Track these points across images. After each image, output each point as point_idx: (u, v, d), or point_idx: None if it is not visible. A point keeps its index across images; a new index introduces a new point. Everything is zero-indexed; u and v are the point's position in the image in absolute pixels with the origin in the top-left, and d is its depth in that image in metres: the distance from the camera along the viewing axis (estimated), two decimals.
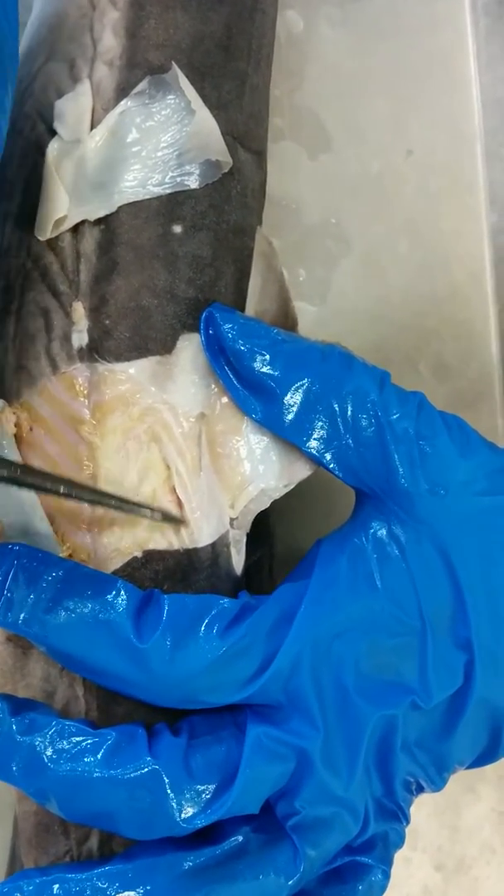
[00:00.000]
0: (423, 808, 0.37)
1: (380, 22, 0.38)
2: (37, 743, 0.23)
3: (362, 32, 0.38)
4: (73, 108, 0.25)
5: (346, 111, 0.37)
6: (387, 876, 0.26)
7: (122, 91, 0.25)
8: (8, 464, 0.23)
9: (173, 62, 0.25)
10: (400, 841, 0.27)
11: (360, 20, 0.38)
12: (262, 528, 0.29)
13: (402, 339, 0.38)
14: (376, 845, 0.26)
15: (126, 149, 0.25)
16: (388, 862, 0.27)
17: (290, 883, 0.24)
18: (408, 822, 0.27)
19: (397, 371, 0.34)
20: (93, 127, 0.25)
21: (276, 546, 0.32)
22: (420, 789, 0.27)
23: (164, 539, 0.26)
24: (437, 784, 0.27)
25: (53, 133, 0.26)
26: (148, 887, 0.23)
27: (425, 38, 0.39)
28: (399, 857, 0.28)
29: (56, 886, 0.23)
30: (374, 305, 0.37)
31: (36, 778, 0.23)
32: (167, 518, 0.25)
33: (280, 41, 0.34)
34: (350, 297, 0.37)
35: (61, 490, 0.24)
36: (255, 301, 0.27)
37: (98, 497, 0.24)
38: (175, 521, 0.25)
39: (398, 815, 0.26)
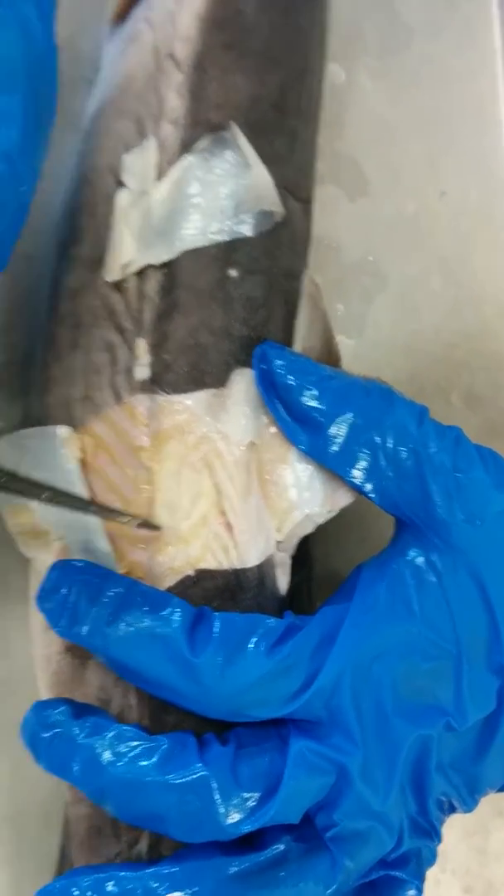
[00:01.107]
0: (452, 831, 0.38)
1: (416, 72, 0.40)
2: (96, 745, 0.24)
3: (399, 82, 0.40)
4: (140, 162, 0.28)
5: (384, 156, 0.39)
6: (420, 892, 0.27)
7: (185, 147, 0.27)
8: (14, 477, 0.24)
9: (232, 121, 0.27)
10: (432, 858, 0.28)
11: (397, 70, 0.40)
12: (303, 552, 0.31)
13: (435, 371, 0.39)
14: (410, 861, 0.27)
15: (188, 200, 0.27)
16: (421, 878, 0.27)
17: (328, 892, 0.25)
18: (440, 840, 0.28)
19: (430, 402, 0.35)
20: (158, 179, 0.27)
21: (315, 570, 0.33)
22: (452, 809, 0.28)
23: (214, 559, 0.27)
24: (469, 805, 0.28)
25: (121, 185, 0.28)
26: (196, 888, 0.24)
27: (458, 86, 0.41)
28: (428, 878, 0.29)
29: (110, 884, 0.24)
30: (408, 339, 0.39)
31: (94, 779, 0.24)
32: (145, 525, 0.27)
33: (323, 92, 0.36)
34: (386, 331, 0.38)
35: (43, 497, 0.25)
36: (303, 338, 0.29)
37: (78, 504, 0.26)
38: (151, 527, 0.27)
39: (431, 833, 0.27)
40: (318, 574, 0.34)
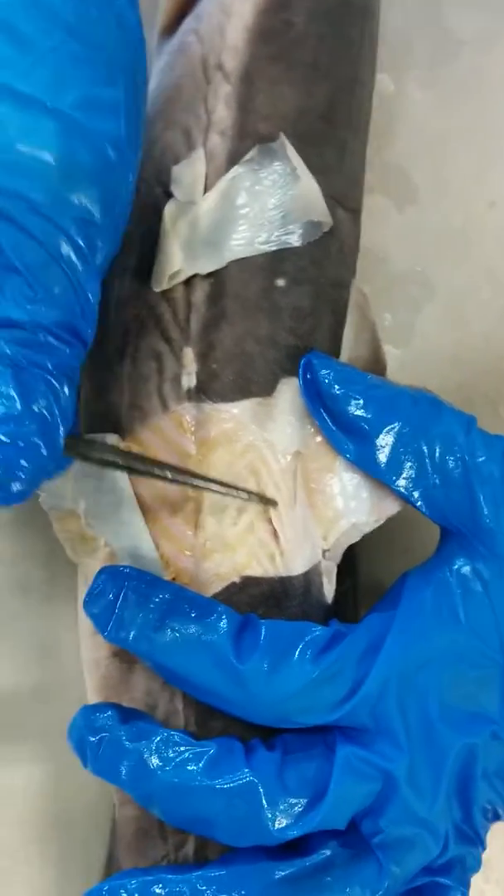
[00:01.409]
0: (495, 841, 0.37)
1: (465, 82, 0.40)
2: (144, 750, 0.25)
3: (448, 92, 0.40)
4: (189, 173, 0.28)
5: (432, 166, 0.39)
6: None
7: (234, 158, 0.28)
8: (115, 450, 0.25)
9: (280, 132, 0.28)
10: (477, 865, 0.28)
11: (446, 81, 0.40)
12: (349, 561, 0.31)
13: (483, 382, 0.39)
14: (455, 868, 0.27)
15: (236, 210, 0.28)
16: (465, 884, 0.28)
17: None
18: (484, 847, 0.28)
19: (478, 413, 0.35)
20: (206, 190, 0.28)
21: (360, 578, 0.33)
22: (496, 817, 0.28)
23: (259, 566, 0.28)
24: None
25: (170, 195, 0.28)
26: (242, 892, 0.24)
27: None
28: (472, 888, 0.29)
29: (157, 886, 0.25)
30: (456, 349, 0.39)
31: (142, 783, 0.25)
32: (263, 500, 0.27)
33: (372, 103, 0.36)
34: (433, 341, 0.38)
35: (168, 475, 0.26)
36: (350, 348, 0.29)
37: (200, 482, 0.26)
38: (268, 501, 0.27)
39: (475, 841, 0.27)
40: (362, 583, 0.34)
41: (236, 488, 0.27)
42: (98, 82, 0.22)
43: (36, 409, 0.21)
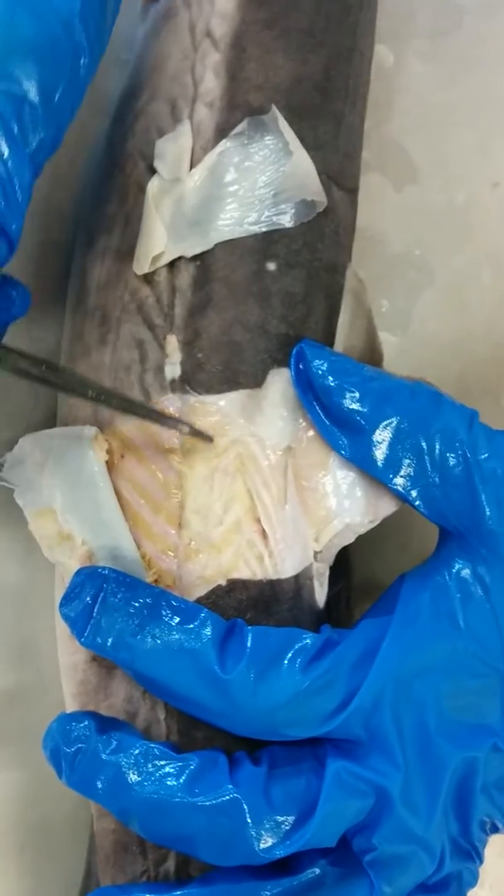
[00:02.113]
0: (491, 847, 0.36)
1: (469, 54, 0.38)
2: (122, 763, 0.23)
3: (451, 65, 0.38)
4: (174, 147, 0.26)
5: (433, 143, 0.38)
6: None
7: (222, 132, 0.26)
8: (39, 362, 0.23)
9: (272, 104, 0.26)
10: (473, 881, 0.27)
11: (449, 53, 0.38)
12: (341, 561, 0.30)
13: (484, 371, 0.37)
14: (450, 884, 0.26)
15: (224, 188, 0.26)
16: None
17: None
18: (482, 861, 0.27)
19: (478, 404, 0.33)
20: (192, 166, 0.26)
21: (353, 578, 0.32)
22: (495, 829, 0.27)
23: (247, 568, 0.26)
24: None
25: (154, 171, 0.27)
26: None
27: None
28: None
29: None
30: (456, 336, 0.37)
31: (120, 797, 0.23)
32: (195, 433, 0.25)
33: (371, 75, 0.35)
34: (432, 328, 0.37)
35: (89, 394, 0.24)
36: (345, 337, 0.27)
37: (128, 405, 0.24)
38: (203, 437, 0.25)
39: (472, 855, 0.26)
40: (355, 583, 0.32)
41: (168, 417, 0.24)
42: None
43: None
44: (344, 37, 0.28)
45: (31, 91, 0.20)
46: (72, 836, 0.31)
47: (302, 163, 0.26)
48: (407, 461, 0.25)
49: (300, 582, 0.26)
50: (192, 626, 0.24)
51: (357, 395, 0.25)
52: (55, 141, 0.21)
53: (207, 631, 0.24)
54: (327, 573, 0.27)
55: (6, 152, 0.20)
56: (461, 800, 0.25)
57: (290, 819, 0.23)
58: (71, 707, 0.28)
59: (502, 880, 0.37)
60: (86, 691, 0.27)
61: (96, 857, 0.27)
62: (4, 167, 0.20)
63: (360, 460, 0.26)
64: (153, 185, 0.26)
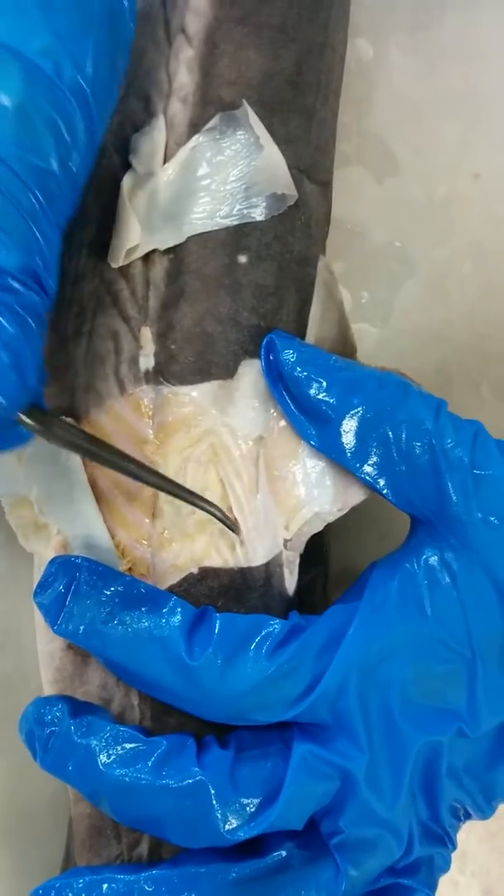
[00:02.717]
0: (472, 833, 0.37)
1: (449, 47, 0.38)
2: (93, 745, 0.24)
3: (431, 58, 0.38)
4: (148, 142, 0.27)
5: (413, 136, 0.38)
6: None
7: (195, 127, 0.26)
8: (78, 432, 0.24)
9: (244, 99, 0.26)
10: (445, 865, 0.27)
11: (429, 46, 0.38)
12: (318, 548, 0.30)
13: (465, 361, 0.38)
14: (420, 869, 0.27)
15: (196, 182, 0.26)
16: (432, 886, 0.27)
17: None
18: (454, 847, 0.27)
19: (459, 393, 0.34)
20: (166, 161, 0.26)
21: (330, 565, 0.32)
22: (468, 815, 0.27)
23: (219, 556, 0.26)
24: (486, 811, 0.27)
25: (128, 166, 0.27)
26: (192, 894, 0.24)
27: (494, 63, 0.39)
28: (447, 880, 0.28)
29: (105, 886, 0.24)
30: (436, 327, 0.37)
31: (90, 779, 0.24)
32: (222, 519, 0.25)
33: (349, 68, 0.34)
34: (413, 319, 0.37)
35: (131, 469, 0.24)
36: (316, 328, 0.28)
37: (166, 485, 0.25)
38: (230, 526, 0.26)
39: (444, 840, 0.27)
40: (334, 571, 0.33)
41: (201, 499, 0.25)
42: (69, 33, 0.21)
43: (6, 341, 0.20)
44: (316, 33, 0.28)
45: (53, 164, 0.21)
46: (52, 822, 0.31)
47: (272, 157, 0.26)
48: (374, 450, 0.25)
49: (270, 570, 0.27)
50: (161, 613, 0.24)
51: (325, 384, 0.25)
52: (74, 202, 0.23)
53: (176, 618, 0.24)
54: (297, 561, 0.27)
55: (40, 216, 0.21)
56: (428, 784, 0.26)
57: (255, 801, 0.24)
58: (48, 694, 0.28)
59: (485, 867, 0.37)
60: (62, 678, 0.27)
61: (74, 842, 0.28)
62: (40, 231, 0.21)
63: (328, 450, 0.26)
64: (128, 180, 0.27)
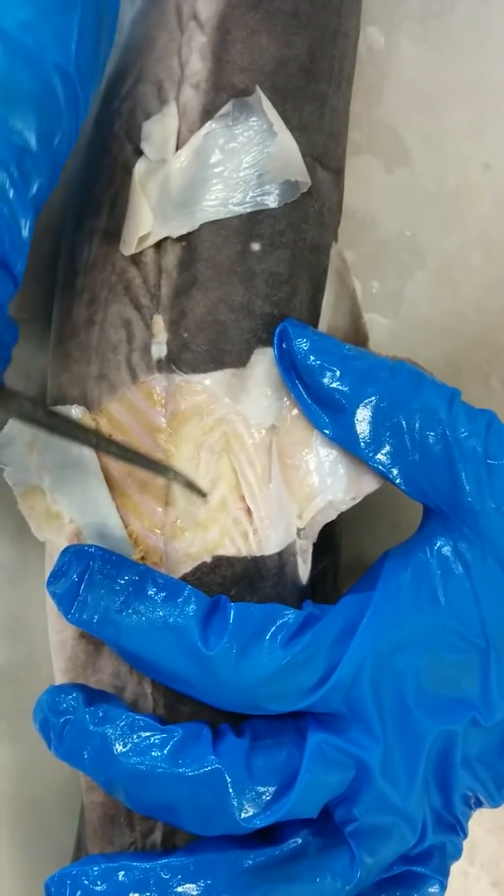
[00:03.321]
0: (482, 824, 0.37)
1: (460, 36, 0.38)
2: (108, 734, 0.24)
3: (443, 47, 0.38)
4: (160, 129, 0.26)
5: (424, 125, 0.38)
6: (443, 887, 0.27)
7: (207, 113, 0.26)
8: (35, 405, 0.24)
9: (257, 86, 0.26)
10: (457, 853, 0.27)
11: (440, 35, 0.38)
12: (329, 537, 0.30)
13: (475, 353, 0.38)
14: (433, 856, 0.27)
15: (209, 169, 0.26)
16: (444, 873, 0.27)
17: (347, 888, 0.24)
18: (465, 835, 0.27)
19: (468, 384, 0.33)
20: (178, 148, 0.26)
21: (342, 555, 0.32)
22: (479, 804, 0.27)
23: (232, 545, 0.26)
24: (497, 800, 0.27)
25: (140, 153, 0.27)
26: (209, 882, 0.24)
27: None
28: (456, 870, 0.28)
29: (121, 873, 0.24)
30: (446, 318, 0.37)
31: (105, 768, 0.24)
32: (188, 485, 0.26)
33: (361, 57, 0.34)
34: (423, 310, 0.37)
35: (91, 440, 0.24)
36: (329, 317, 0.28)
37: (122, 452, 0.25)
38: (196, 490, 0.26)
39: (456, 828, 0.27)
40: (345, 561, 0.33)
41: (163, 465, 0.25)
42: (51, 7, 0.20)
43: None
44: (329, 18, 0.28)
45: (32, 141, 0.21)
46: (63, 810, 0.31)
47: (286, 143, 0.26)
48: (387, 439, 0.25)
49: (284, 558, 0.27)
50: (175, 602, 0.24)
51: (338, 373, 0.25)
52: (52, 181, 0.22)
53: (191, 607, 0.24)
54: (311, 550, 0.27)
55: (11, 196, 0.21)
56: (442, 772, 0.26)
57: (271, 790, 0.24)
58: (60, 683, 0.28)
59: (493, 857, 0.37)
60: (74, 667, 0.27)
61: (86, 830, 0.28)
62: (10, 210, 0.21)
63: (342, 439, 0.26)
64: (140, 167, 0.27)
